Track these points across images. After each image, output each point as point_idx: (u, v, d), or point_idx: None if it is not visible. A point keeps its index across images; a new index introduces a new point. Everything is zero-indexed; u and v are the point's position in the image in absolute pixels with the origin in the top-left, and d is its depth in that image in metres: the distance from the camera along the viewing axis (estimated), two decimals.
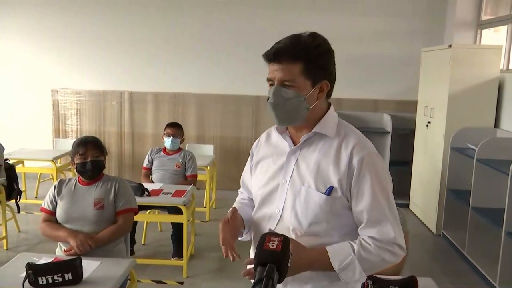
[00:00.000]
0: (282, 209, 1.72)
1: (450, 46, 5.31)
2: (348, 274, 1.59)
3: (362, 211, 1.64)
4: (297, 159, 1.73)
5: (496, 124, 5.33)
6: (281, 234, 1.34)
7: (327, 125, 1.71)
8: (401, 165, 6.64)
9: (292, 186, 1.71)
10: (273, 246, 1.28)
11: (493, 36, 6.23)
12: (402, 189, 6.51)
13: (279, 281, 1.26)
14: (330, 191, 1.64)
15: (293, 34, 1.68)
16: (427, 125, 5.89)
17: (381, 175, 1.66)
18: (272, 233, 1.35)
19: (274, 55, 1.63)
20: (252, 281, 1.34)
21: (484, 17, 6.31)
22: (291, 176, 1.72)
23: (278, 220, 1.73)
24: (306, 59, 1.62)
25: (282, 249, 1.28)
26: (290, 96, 1.63)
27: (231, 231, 1.76)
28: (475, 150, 4.67)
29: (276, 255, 1.26)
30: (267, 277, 1.20)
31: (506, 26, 5.67)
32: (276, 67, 1.64)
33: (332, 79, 1.70)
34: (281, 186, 1.74)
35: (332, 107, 1.76)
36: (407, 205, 6.44)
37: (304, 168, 1.70)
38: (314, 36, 1.67)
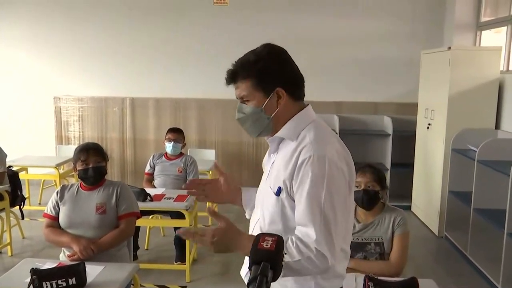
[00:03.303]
0: (261, 210, 1.85)
1: (449, 48, 5.33)
2: None
3: (297, 212, 1.68)
4: (273, 162, 1.84)
5: (497, 125, 5.34)
6: (275, 234, 1.39)
7: (289, 128, 1.78)
8: (402, 168, 6.65)
9: (265, 188, 1.84)
10: (267, 245, 1.33)
11: (494, 37, 6.24)
12: (403, 191, 6.52)
13: (273, 280, 1.30)
14: (279, 191, 1.73)
15: (245, 54, 1.81)
16: (427, 127, 5.90)
17: (317, 179, 1.64)
18: (266, 233, 1.40)
19: (228, 80, 1.82)
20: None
21: (483, 19, 6.33)
22: (266, 178, 1.86)
23: (256, 222, 1.87)
24: (252, 75, 1.75)
25: (275, 248, 1.32)
26: (250, 110, 1.79)
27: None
28: (476, 151, 4.67)
29: (270, 254, 1.31)
30: (261, 274, 1.24)
31: (506, 27, 5.69)
32: (235, 87, 1.82)
33: (288, 83, 1.77)
34: (262, 190, 1.90)
35: (304, 111, 1.81)
36: (409, 208, 6.42)
37: (273, 171, 1.81)
38: (256, 51, 1.78)
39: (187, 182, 2.09)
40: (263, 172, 1.97)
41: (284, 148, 1.79)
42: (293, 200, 1.70)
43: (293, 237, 1.63)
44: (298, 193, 1.67)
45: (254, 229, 1.87)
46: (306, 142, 1.70)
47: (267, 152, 1.92)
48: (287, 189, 1.70)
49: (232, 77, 1.79)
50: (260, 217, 1.83)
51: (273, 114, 1.77)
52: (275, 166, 1.80)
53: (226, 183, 2.04)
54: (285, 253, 1.57)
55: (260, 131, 1.83)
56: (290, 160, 1.70)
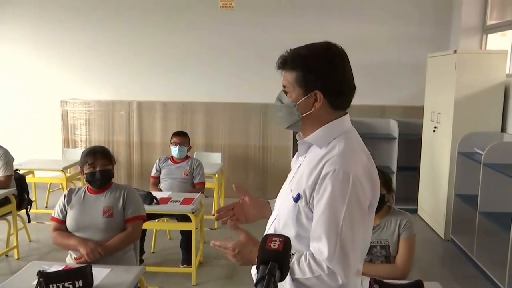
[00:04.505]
0: (278, 210, 1.84)
1: (455, 51, 5.33)
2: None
3: (313, 226, 1.64)
4: (299, 165, 1.80)
5: (503, 129, 5.33)
6: (282, 235, 1.40)
7: (320, 135, 1.73)
8: (408, 171, 6.64)
9: (286, 190, 1.81)
10: (274, 246, 1.34)
11: (500, 41, 6.22)
12: (410, 194, 6.51)
13: (281, 279, 1.31)
14: (297, 198, 1.69)
15: (304, 45, 1.76)
16: (434, 131, 5.90)
17: (338, 195, 1.59)
18: (273, 234, 1.41)
19: (278, 65, 1.76)
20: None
21: (489, 22, 6.32)
22: (290, 180, 1.82)
23: (273, 221, 1.86)
24: (300, 68, 1.70)
25: (283, 249, 1.33)
26: (285, 101, 1.76)
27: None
28: (482, 154, 4.66)
29: (278, 254, 1.32)
30: (269, 274, 1.26)
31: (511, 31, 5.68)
32: (283, 74, 1.77)
33: (330, 89, 1.70)
34: (283, 190, 1.87)
35: (339, 120, 1.75)
36: (415, 211, 6.43)
37: (297, 175, 1.77)
38: (312, 46, 1.73)
39: (216, 211, 2.06)
40: (285, 175, 1.95)
41: (312, 153, 1.74)
42: (311, 211, 1.66)
43: (307, 253, 1.61)
44: (317, 207, 1.63)
45: (269, 229, 1.86)
46: (334, 154, 1.65)
47: (296, 153, 1.88)
48: (306, 199, 1.66)
49: (282, 64, 1.75)
50: (276, 218, 1.82)
51: (304, 114, 1.73)
52: (300, 170, 1.76)
53: (252, 200, 2.05)
54: (298, 266, 1.59)
55: (288, 125, 1.79)
56: (315, 169, 1.66)
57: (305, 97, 1.71)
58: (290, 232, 1.71)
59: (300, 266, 1.59)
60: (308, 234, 1.66)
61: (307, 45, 1.75)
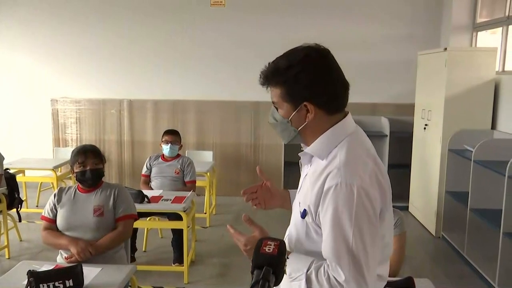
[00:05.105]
0: (292, 223, 1.77)
1: (445, 49, 5.35)
2: (294, 285, 1.59)
3: (323, 246, 1.57)
4: (306, 174, 1.72)
5: (493, 126, 5.36)
6: (278, 239, 1.37)
7: (319, 146, 1.63)
8: (400, 168, 6.66)
9: (296, 201, 1.74)
10: (269, 250, 1.32)
11: (490, 38, 6.26)
12: (401, 192, 6.53)
13: (275, 284, 1.29)
14: (304, 214, 1.62)
15: (283, 54, 1.65)
16: (424, 128, 5.92)
17: (343, 211, 1.50)
18: (268, 238, 1.39)
19: (260, 82, 1.67)
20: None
21: (479, 20, 6.35)
22: (299, 190, 1.75)
23: (288, 234, 1.79)
24: (282, 83, 1.61)
25: (278, 253, 1.32)
26: (278, 118, 1.67)
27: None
28: (472, 151, 4.69)
29: (272, 259, 1.30)
30: (264, 279, 1.24)
31: (501, 28, 5.71)
32: (268, 90, 1.68)
33: (320, 96, 1.59)
34: (295, 200, 1.78)
35: (340, 124, 1.64)
36: (406, 208, 6.46)
37: (304, 185, 1.70)
38: (291, 55, 1.62)
39: (242, 192, 1.94)
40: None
41: (316, 163, 1.65)
42: (319, 227, 1.58)
43: (326, 266, 1.53)
44: (324, 226, 1.55)
45: (286, 239, 1.78)
46: (335, 165, 1.54)
47: (301, 161, 1.77)
48: (312, 215, 1.59)
49: (264, 81, 1.65)
50: (289, 233, 1.76)
51: (300, 128, 1.63)
52: (307, 181, 1.67)
53: (273, 187, 1.97)
54: (316, 278, 1.53)
55: (289, 140, 1.70)
56: (317, 182, 1.57)
57: (295, 111, 1.62)
58: (303, 248, 1.66)
59: (318, 279, 1.53)
60: (320, 250, 1.59)
61: (285, 53, 1.64)
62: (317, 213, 1.56)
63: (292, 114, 1.62)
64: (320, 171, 1.59)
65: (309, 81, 1.58)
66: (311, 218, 1.59)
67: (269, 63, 1.64)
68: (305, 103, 1.59)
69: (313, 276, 1.54)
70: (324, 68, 1.60)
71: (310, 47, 1.62)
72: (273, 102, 1.68)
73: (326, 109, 1.61)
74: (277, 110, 1.67)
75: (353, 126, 1.68)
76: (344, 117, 1.66)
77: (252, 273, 1.29)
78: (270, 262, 1.29)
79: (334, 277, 1.50)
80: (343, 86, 1.63)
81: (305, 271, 1.55)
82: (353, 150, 1.59)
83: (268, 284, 1.24)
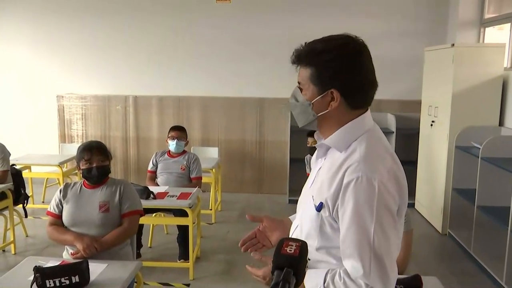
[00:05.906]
0: (300, 218, 1.74)
1: (453, 45, 5.31)
2: None
3: (341, 242, 1.54)
4: (320, 168, 1.69)
5: (501, 122, 5.32)
6: (299, 240, 1.35)
7: (339, 138, 1.61)
8: (406, 165, 6.46)
9: (308, 195, 1.70)
10: (290, 250, 1.29)
11: (497, 34, 6.21)
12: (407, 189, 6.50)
13: (296, 285, 1.27)
14: (320, 207, 1.58)
15: (321, 38, 1.63)
16: (431, 125, 5.89)
17: (365, 206, 1.48)
18: (290, 238, 1.36)
19: (292, 59, 1.65)
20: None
21: (487, 15, 6.30)
22: (311, 184, 1.71)
23: (295, 229, 1.76)
24: (314, 65, 1.58)
25: (299, 254, 1.29)
26: (300, 99, 1.64)
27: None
28: (480, 148, 4.66)
29: (293, 260, 1.27)
30: (284, 280, 1.21)
31: (509, 24, 5.66)
32: (297, 70, 1.66)
33: (348, 88, 1.58)
34: (305, 195, 1.76)
35: (359, 118, 1.62)
36: (412, 205, 6.44)
37: (318, 179, 1.66)
38: (329, 40, 1.61)
39: (240, 244, 1.92)
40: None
41: (333, 155, 1.62)
42: (335, 221, 1.56)
43: (340, 272, 1.52)
44: (343, 221, 1.51)
45: (293, 236, 1.76)
46: (355, 159, 1.52)
47: (315, 154, 1.77)
48: (329, 209, 1.55)
49: (296, 59, 1.63)
50: (299, 225, 1.72)
51: (320, 114, 1.61)
52: (321, 174, 1.64)
53: (271, 222, 1.93)
54: (333, 286, 1.52)
55: (303, 124, 1.67)
56: (336, 176, 1.54)
57: (320, 96, 1.59)
58: (313, 243, 1.62)
59: (335, 285, 1.52)
60: (333, 245, 1.58)
61: (324, 38, 1.62)
62: (335, 207, 1.54)
63: (316, 98, 1.60)
64: (339, 164, 1.56)
65: (341, 70, 1.56)
66: (327, 212, 1.56)
67: (305, 43, 1.63)
68: (332, 89, 1.57)
69: (331, 286, 1.53)
70: (358, 61, 1.60)
71: (349, 37, 1.63)
72: (298, 83, 1.65)
73: (351, 101, 1.60)
74: (301, 91, 1.64)
75: (372, 122, 1.67)
76: (364, 113, 1.64)
77: (272, 273, 1.27)
78: (291, 263, 1.26)
79: (350, 279, 1.49)
80: (372, 84, 1.63)
81: (322, 285, 1.54)
82: (372, 145, 1.58)
83: (289, 286, 1.20)
